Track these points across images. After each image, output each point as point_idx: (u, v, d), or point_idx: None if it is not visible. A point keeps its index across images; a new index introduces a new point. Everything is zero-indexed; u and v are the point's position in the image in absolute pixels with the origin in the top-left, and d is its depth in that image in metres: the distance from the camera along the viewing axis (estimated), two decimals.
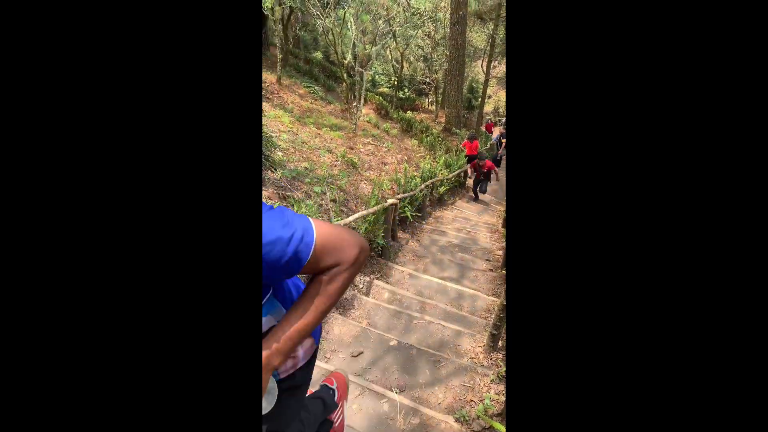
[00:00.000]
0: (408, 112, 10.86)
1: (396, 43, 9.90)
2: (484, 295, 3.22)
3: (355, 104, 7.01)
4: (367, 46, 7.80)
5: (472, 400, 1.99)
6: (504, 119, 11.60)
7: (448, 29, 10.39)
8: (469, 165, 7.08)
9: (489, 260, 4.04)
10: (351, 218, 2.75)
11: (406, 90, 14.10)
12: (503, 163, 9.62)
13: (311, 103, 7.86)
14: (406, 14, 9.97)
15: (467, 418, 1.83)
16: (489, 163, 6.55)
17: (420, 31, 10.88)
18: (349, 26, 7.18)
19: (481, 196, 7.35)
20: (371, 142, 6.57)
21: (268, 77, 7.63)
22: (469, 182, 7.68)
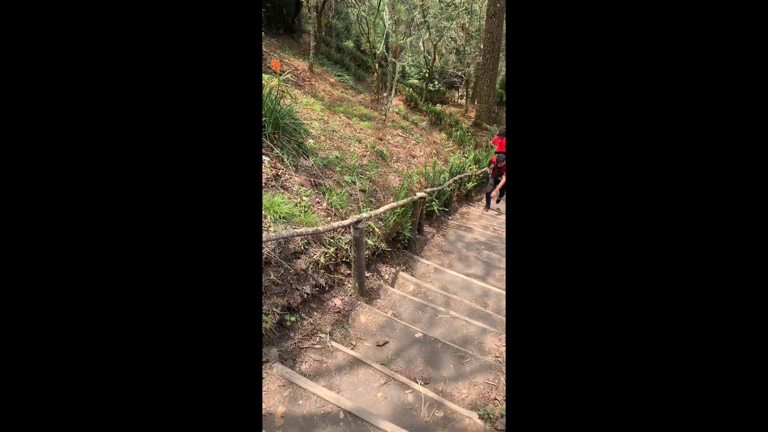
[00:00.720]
0: (437, 104, 10.71)
1: (429, 34, 9.73)
2: None
3: (385, 95, 6.98)
4: (400, 37, 7.71)
5: (495, 399, 1.98)
6: None
7: (483, 22, 10.10)
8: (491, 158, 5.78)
9: None
10: (381, 209, 2.76)
11: (436, 82, 13.88)
12: None
13: (342, 92, 7.88)
14: (441, 5, 9.76)
15: (491, 416, 1.82)
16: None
17: (454, 22, 10.64)
18: (383, 16, 7.11)
19: (493, 204, 6.04)
20: (400, 134, 6.54)
21: (300, 64, 7.69)
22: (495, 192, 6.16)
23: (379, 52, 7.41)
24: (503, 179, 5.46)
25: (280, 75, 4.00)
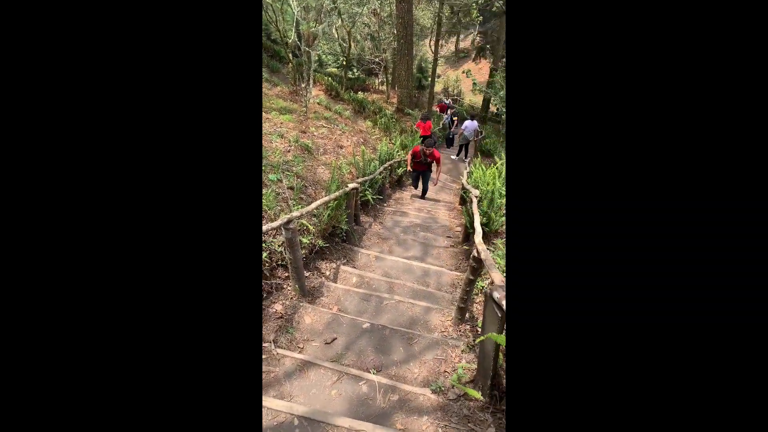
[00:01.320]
0: (359, 92, 10.66)
1: (342, 21, 9.56)
2: (448, 271, 3.34)
3: (303, 86, 6.72)
4: (311, 24, 7.43)
5: (445, 371, 2.09)
6: (450, 99, 11.76)
7: (394, 7, 10.21)
8: (409, 153, 5.28)
9: (449, 237, 4.19)
10: (313, 205, 2.68)
11: (355, 70, 13.77)
12: (456, 141, 9.87)
13: None
14: None
15: (443, 388, 1.92)
16: (437, 153, 5.00)
17: (365, 8, 10.58)
18: (290, 2, 6.77)
19: (428, 193, 5.70)
20: (324, 125, 6.38)
21: None
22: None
23: (291, 41, 7.07)
24: (436, 171, 5.07)
25: None
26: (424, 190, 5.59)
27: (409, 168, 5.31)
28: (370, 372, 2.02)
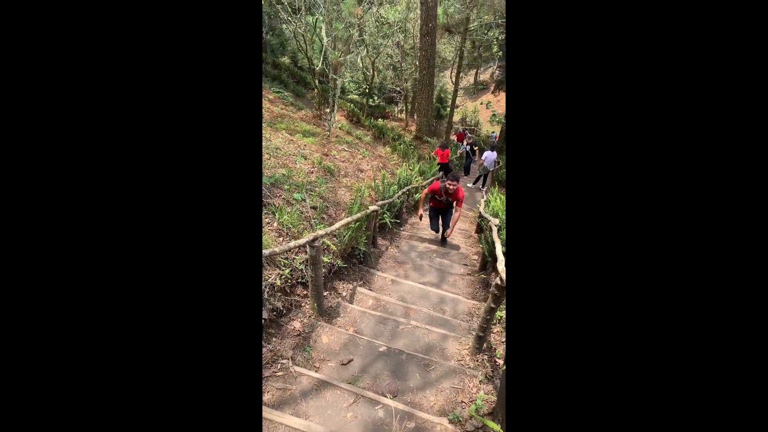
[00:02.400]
0: (379, 119, 10.99)
1: (367, 51, 10.03)
2: (465, 299, 3.31)
3: (327, 111, 7.00)
4: (338, 54, 7.83)
5: (463, 401, 2.04)
6: (465, 129, 12.05)
7: (417, 40, 10.67)
8: (423, 191, 4.42)
9: (466, 264, 4.16)
10: (336, 225, 2.74)
11: (376, 98, 14.25)
12: (474, 170, 9.96)
13: (282, 108, 7.75)
14: (377, 24, 10.15)
15: (461, 419, 1.87)
16: (461, 191, 4.01)
17: (390, 40, 11.09)
18: (320, 33, 7.17)
19: (443, 236, 4.57)
20: (346, 149, 6.57)
21: None
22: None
23: (318, 68, 7.43)
24: (456, 213, 4.09)
25: None
26: (445, 229, 4.45)
27: (420, 212, 4.58)
28: (386, 396, 1.99)
